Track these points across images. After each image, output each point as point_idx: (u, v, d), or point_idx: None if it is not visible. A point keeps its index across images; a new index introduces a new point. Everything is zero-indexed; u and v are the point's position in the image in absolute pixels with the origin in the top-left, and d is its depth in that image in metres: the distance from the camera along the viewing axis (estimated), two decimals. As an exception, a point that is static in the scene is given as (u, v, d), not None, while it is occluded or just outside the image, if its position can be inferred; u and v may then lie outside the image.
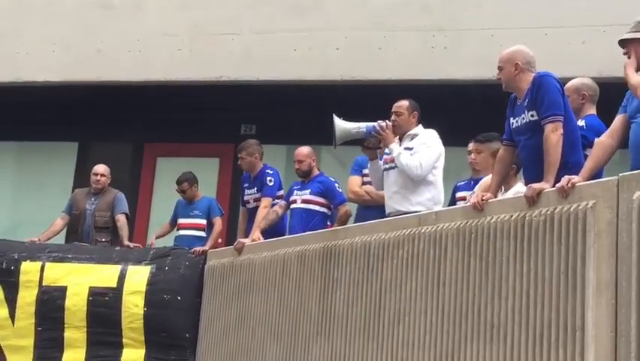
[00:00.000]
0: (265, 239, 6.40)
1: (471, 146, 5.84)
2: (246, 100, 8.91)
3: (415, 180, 5.38)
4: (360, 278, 4.90)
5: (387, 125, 5.50)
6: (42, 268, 6.99)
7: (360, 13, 8.32)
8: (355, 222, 6.11)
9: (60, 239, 7.94)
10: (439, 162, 5.51)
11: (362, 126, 5.53)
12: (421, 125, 5.61)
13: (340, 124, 5.51)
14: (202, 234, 7.76)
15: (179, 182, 7.85)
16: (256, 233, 6.50)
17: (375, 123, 5.50)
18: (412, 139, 5.53)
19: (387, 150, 5.53)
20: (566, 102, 4.40)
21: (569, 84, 4.96)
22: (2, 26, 9.17)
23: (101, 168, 7.88)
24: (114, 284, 6.87)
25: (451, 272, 4.21)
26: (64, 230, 7.88)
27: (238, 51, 8.56)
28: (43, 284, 6.96)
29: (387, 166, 5.56)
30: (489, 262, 3.97)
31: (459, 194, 6.00)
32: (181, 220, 7.89)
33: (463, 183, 6.10)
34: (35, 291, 6.95)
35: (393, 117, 5.57)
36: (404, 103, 5.62)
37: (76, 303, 6.87)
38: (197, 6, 8.79)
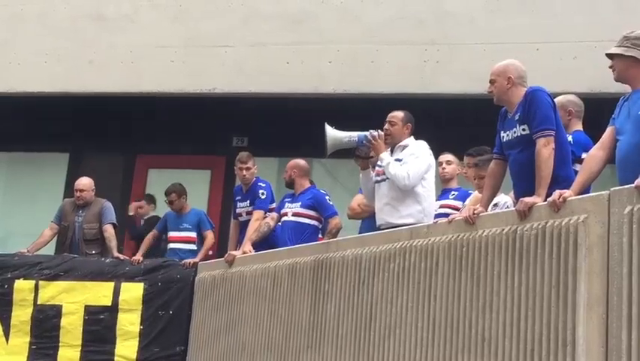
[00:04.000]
0: (257, 251, 6.39)
1: (445, 157, 6.26)
2: (238, 112, 8.92)
3: (405, 192, 5.36)
4: (352, 291, 4.89)
5: (378, 134, 5.52)
6: (36, 287, 7.03)
7: (353, 26, 8.35)
8: (360, 232, 6.11)
9: (50, 250, 7.91)
10: (429, 173, 5.48)
11: (354, 135, 5.55)
12: (412, 137, 5.61)
13: (332, 133, 5.54)
14: (193, 247, 7.73)
15: (167, 193, 7.82)
16: (247, 245, 6.50)
17: (367, 133, 5.52)
18: (403, 150, 5.51)
19: (379, 162, 5.53)
20: (558, 117, 4.42)
21: (555, 101, 4.99)
22: (-5, 37, 9.17)
23: (82, 183, 7.74)
24: (109, 303, 6.95)
25: (442, 286, 4.21)
26: (54, 240, 7.84)
27: (231, 63, 8.57)
28: (38, 303, 7.01)
29: (378, 178, 5.54)
30: (480, 276, 3.97)
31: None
32: (171, 233, 7.85)
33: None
34: (30, 310, 7.00)
35: (386, 126, 5.56)
36: (399, 114, 5.61)
37: (72, 322, 6.95)
38: (191, 18, 8.81)
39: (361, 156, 5.63)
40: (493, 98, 4.59)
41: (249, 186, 7.11)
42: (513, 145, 4.42)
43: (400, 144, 5.55)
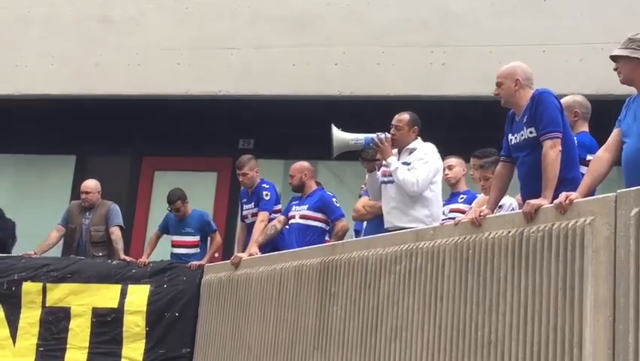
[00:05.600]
0: (263, 253, 6.39)
1: (447, 162, 6.14)
2: (244, 114, 8.93)
3: (413, 196, 5.36)
4: (358, 293, 4.89)
5: (385, 137, 5.48)
6: (44, 289, 7.06)
7: (359, 28, 8.35)
8: (365, 234, 6.10)
9: (56, 252, 7.92)
10: (437, 177, 5.47)
11: (360, 138, 5.52)
12: (419, 139, 5.58)
13: (339, 135, 5.52)
14: (196, 250, 7.70)
15: (171, 201, 7.69)
16: (253, 248, 6.49)
17: (373, 135, 5.49)
18: (410, 154, 5.49)
19: (384, 162, 5.52)
20: (565, 119, 4.41)
21: (562, 102, 4.98)
22: (2, 39, 9.19)
23: (87, 186, 7.77)
24: (115, 305, 6.97)
25: (448, 288, 4.20)
26: (61, 242, 7.85)
27: (237, 66, 8.59)
28: (47, 305, 7.04)
29: (385, 180, 5.52)
30: (486, 278, 3.97)
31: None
32: (174, 238, 7.82)
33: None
34: (39, 312, 7.03)
35: (392, 130, 5.55)
36: (404, 117, 5.58)
37: (80, 324, 6.97)
38: (197, 20, 8.83)
39: (367, 158, 5.61)
40: (499, 100, 4.58)
41: (253, 188, 7.12)
42: (520, 148, 4.41)
43: (408, 146, 5.53)
